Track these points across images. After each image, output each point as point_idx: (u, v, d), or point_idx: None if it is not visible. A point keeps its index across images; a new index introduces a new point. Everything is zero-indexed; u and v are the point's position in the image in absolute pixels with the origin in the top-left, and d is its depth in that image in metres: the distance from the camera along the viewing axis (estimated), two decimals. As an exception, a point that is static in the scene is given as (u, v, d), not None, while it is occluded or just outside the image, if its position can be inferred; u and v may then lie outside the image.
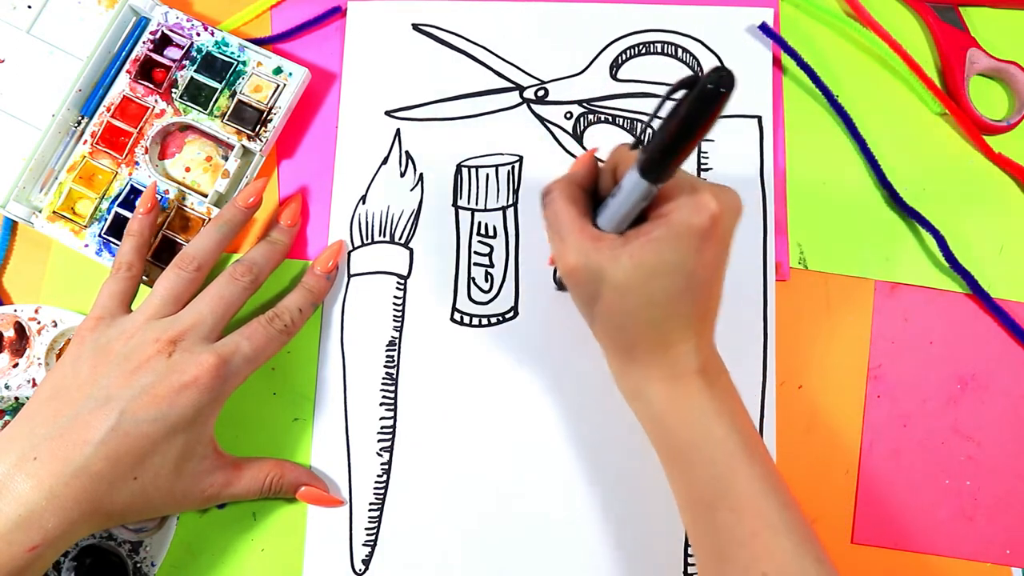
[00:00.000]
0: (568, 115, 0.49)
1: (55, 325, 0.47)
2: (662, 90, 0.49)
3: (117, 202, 0.47)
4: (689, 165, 0.48)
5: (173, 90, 0.48)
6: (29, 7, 0.48)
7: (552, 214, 0.37)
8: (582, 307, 0.38)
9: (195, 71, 0.48)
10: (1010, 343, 0.47)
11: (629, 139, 0.48)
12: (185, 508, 0.42)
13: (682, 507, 0.38)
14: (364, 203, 0.48)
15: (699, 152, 0.48)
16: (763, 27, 0.49)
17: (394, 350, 0.47)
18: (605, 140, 0.49)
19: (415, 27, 0.50)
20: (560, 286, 0.47)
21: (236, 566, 0.46)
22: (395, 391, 0.47)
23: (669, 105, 0.31)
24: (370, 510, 0.46)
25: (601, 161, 0.39)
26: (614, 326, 0.37)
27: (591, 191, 0.39)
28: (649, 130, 0.33)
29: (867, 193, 0.49)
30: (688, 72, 0.37)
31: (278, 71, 0.48)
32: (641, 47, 0.50)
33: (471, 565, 0.45)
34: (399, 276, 0.48)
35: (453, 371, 0.47)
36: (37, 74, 0.48)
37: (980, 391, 0.47)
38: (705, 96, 0.29)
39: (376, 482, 0.46)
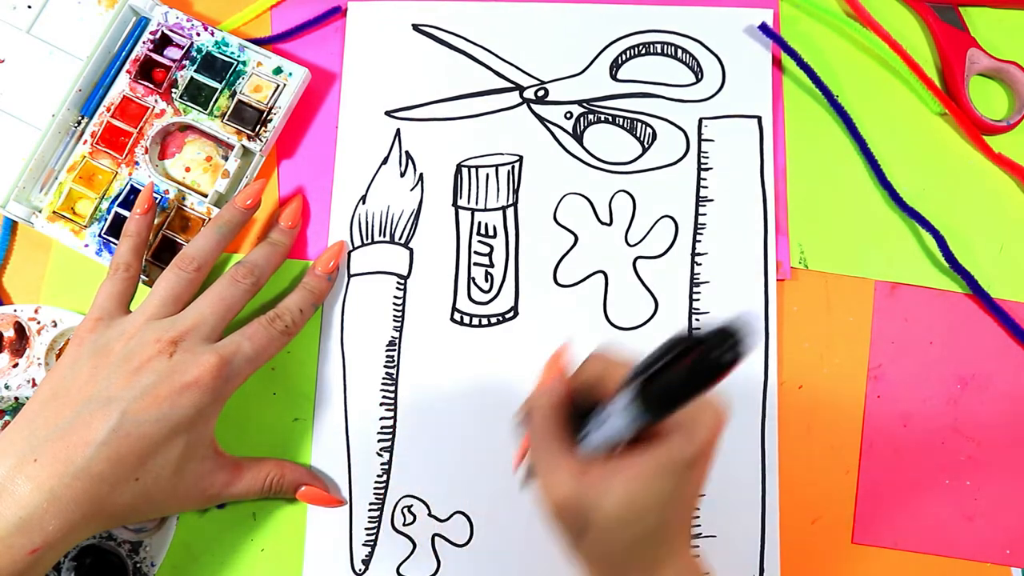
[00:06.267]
0: (568, 115, 0.49)
1: (55, 325, 0.47)
2: (662, 90, 0.49)
3: (117, 202, 0.47)
4: (689, 166, 0.48)
5: (173, 90, 0.48)
6: (29, 7, 0.48)
7: (536, 443, 0.35)
8: (568, 536, 0.35)
9: (195, 71, 0.48)
10: (1010, 343, 0.47)
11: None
12: (186, 508, 0.42)
13: None
14: (364, 203, 0.48)
15: (699, 152, 0.48)
16: (763, 27, 0.49)
17: (394, 350, 0.47)
18: (605, 140, 0.49)
19: (415, 27, 0.50)
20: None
21: (236, 566, 0.46)
22: (395, 391, 0.47)
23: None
24: (370, 510, 0.46)
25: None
26: (604, 554, 0.35)
27: (569, 408, 0.36)
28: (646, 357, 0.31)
29: (867, 193, 0.49)
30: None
31: (278, 71, 0.48)
32: (641, 47, 0.50)
33: (471, 565, 0.45)
34: (399, 276, 0.48)
35: (453, 371, 0.47)
36: (37, 74, 0.48)
37: (980, 391, 0.47)
38: (719, 364, 0.28)
39: (376, 482, 0.46)
